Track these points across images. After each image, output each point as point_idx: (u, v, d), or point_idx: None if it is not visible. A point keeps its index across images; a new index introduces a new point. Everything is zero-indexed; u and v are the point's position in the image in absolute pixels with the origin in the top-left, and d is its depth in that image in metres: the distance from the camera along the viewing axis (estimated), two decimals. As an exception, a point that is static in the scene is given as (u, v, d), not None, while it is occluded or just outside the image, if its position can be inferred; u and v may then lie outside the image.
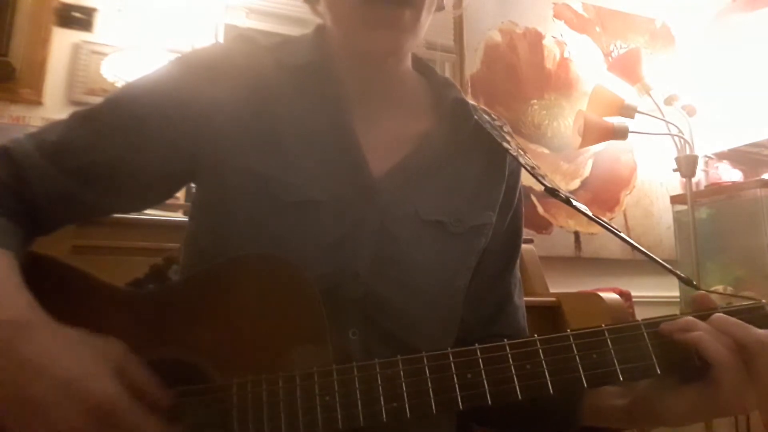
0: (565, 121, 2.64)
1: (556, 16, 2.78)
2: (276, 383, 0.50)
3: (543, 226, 2.51)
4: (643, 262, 1.89)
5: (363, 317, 0.60)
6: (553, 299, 1.64)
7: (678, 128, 2.28)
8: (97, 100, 0.65)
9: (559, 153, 2.62)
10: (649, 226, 2.73)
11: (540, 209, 2.50)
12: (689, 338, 0.50)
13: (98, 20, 2.11)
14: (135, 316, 0.56)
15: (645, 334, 0.52)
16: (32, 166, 0.60)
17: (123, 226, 1.37)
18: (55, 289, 0.50)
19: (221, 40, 2.11)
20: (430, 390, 0.49)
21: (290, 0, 2.37)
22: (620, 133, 2.26)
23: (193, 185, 0.68)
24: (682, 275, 0.66)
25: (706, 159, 2.82)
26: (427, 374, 0.50)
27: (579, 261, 2.55)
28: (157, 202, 0.71)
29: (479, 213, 0.69)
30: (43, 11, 2.03)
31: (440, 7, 0.70)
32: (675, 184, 2.72)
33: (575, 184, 2.63)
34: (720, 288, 2.13)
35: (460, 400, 0.49)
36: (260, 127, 0.63)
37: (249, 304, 0.54)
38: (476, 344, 0.51)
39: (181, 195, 1.57)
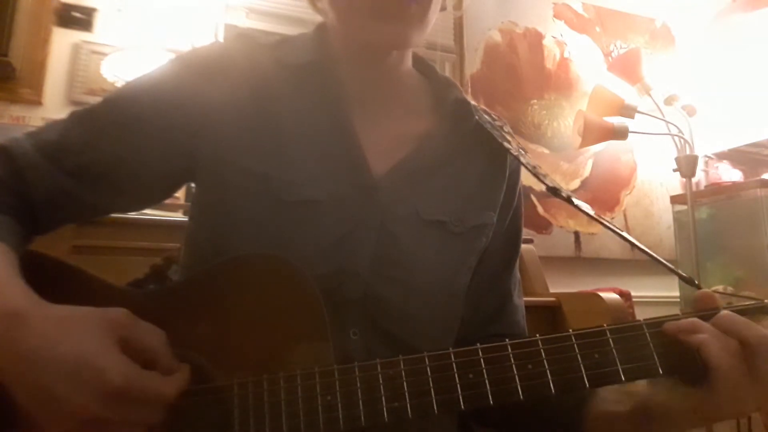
0: (565, 121, 2.64)
1: (556, 16, 2.78)
2: (277, 383, 0.50)
3: (543, 226, 2.51)
4: (643, 262, 1.90)
5: (363, 317, 0.60)
6: (553, 299, 1.64)
7: (678, 128, 2.28)
8: (97, 100, 0.65)
9: (559, 153, 2.62)
10: (649, 226, 2.73)
11: (540, 209, 2.50)
12: (693, 341, 0.50)
13: (98, 20, 2.11)
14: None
15: (647, 334, 0.51)
16: (31, 165, 0.60)
17: (123, 226, 1.37)
18: (55, 288, 0.50)
19: (221, 40, 2.11)
20: (432, 390, 0.49)
21: (290, 0, 2.37)
22: (620, 133, 2.26)
23: (192, 185, 0.68)
24: (684, 274, 0.66)
25: (706, 159, 2.83)
26: (429, 374, 0.50)
27: (579, 261, 2.55)
28: (157, 202, 0.71)
29: (480, 213, 0.69)
30: (43, 11, 2.02)
31: (442, 8, 0.70)
32: (675, 184, 2.72)
33: (575, 184, 2.63)
34: (720, 288, 2.13)
35: (461, 400, 0.49)
36: (260, 127, 0.63)
37: (249, 304, 0.54)
38: (478, 344, 0.51)
39: (181, 195, 1.57)
